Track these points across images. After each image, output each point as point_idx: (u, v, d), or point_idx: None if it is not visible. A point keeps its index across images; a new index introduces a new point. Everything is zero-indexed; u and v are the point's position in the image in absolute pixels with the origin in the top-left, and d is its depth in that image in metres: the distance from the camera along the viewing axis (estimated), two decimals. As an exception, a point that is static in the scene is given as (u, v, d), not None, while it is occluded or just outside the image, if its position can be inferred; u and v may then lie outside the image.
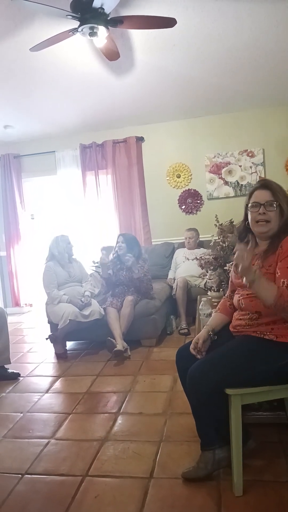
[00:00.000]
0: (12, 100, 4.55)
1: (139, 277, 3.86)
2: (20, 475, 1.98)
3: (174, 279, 4.54)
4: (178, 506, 1.67)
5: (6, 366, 3.30)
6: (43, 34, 3.15)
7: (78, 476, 1.94)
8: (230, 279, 2.03)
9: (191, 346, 1.87)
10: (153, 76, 4.15)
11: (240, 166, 5.15)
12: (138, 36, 3.48)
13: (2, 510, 1.74)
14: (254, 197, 1.79)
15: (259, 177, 5.09)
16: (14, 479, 1.95)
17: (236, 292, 1.91)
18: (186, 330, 4.07)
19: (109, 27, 2.93)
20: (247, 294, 1.77)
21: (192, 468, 1.83)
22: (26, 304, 5.84)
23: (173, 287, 4.42)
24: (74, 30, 2.94)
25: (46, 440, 2.29)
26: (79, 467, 2.01)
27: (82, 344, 4.09)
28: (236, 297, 1.89)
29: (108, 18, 2.89)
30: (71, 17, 2.80)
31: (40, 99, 4.56)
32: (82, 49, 3.62)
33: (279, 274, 1.64)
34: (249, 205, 1.80)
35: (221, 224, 3.06)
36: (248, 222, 1.83)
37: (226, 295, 2.06)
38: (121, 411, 2.59)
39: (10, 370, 3.31)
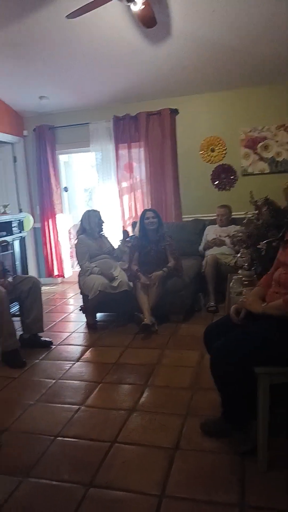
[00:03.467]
0: (47, 71, 4.53)
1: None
2: (52, 437, 2.09)
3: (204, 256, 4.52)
4: (203, 478, 1.73)
5: (39, 334, 3.44)
6: (79, 1, 3.09)
7: (107, 442, 2.03)
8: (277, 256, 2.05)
9: (232, 310, 1.92)
10: (189, 45, 4.02)
11: (277, 141, 4.96)
12: (177, 2, 3.35)
13: (36, 469, 1.85)
14: None
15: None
16: (47, 441, 2.07)
17: (279, 268, 1.94)
18: (214, 308, 4.08)
19: (147, -9, 2.83)
20: None
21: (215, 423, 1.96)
22: (58, 274, 5.98)
23: (203, 264, 4.40)
24: (113, -5, 2.86)
25: (76, 407, 2.40)
26: (107, 433, 2.10)
27: (111, 316, 4.18)
28: (278, 272, 1.92)
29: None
30: (108, -19, 2.72)
31: (75, 69, 4.52)
32: (117, 17, 3.54)
33: None
34: None
35: (256, 201, 2.98)
36: None
37: (269, 272, 2.06)
38: (148, 383, 2.66)
39: (43, 338, 3.44)
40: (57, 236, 5.88)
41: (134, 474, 1.79)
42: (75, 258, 6.24)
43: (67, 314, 4.46)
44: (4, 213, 4.47)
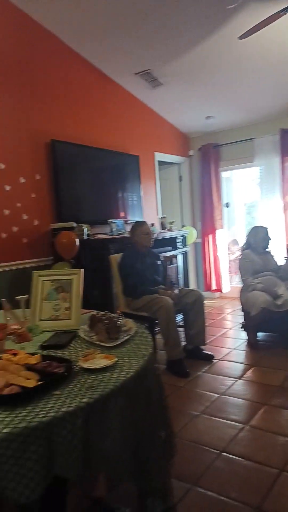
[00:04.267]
0: (217, 92, 4.69)
1: None
2: (218, 452, 2.11)
3: None
4: None
5: (201, 347, 3.52)
6: (251, 20, 3.13)
7: (275, 469, 1.94)
8: None
9: None
10: None
11: None
12: None
13: (202, 481, 1.89)
14: None
15: None
16: (212, 454, 2.09)
17: None
18: None
19: None
20: None
21: None
22: (216, 289, 6.04)
23: None
24: (286, 9, 2.81)
25: (241, 425, 2.37)
26: (275, 460, 2.01)
27: (273, 336, 4.00)
28: None
29: None
30: (284, -5, 2.68)
31: (242, 87, 4.57)
32: (290, 28, 3.44)
33: None
34: None
35: None
36: None
37: None
38: None
39: (205, 351, 3.51)
40: (217, 251, 5.95)
41: (308, 510, 1.66)
42: (233, 273, 6.24)
43: (226, 329, 4.45)
44: (170, 229, 4.75)
